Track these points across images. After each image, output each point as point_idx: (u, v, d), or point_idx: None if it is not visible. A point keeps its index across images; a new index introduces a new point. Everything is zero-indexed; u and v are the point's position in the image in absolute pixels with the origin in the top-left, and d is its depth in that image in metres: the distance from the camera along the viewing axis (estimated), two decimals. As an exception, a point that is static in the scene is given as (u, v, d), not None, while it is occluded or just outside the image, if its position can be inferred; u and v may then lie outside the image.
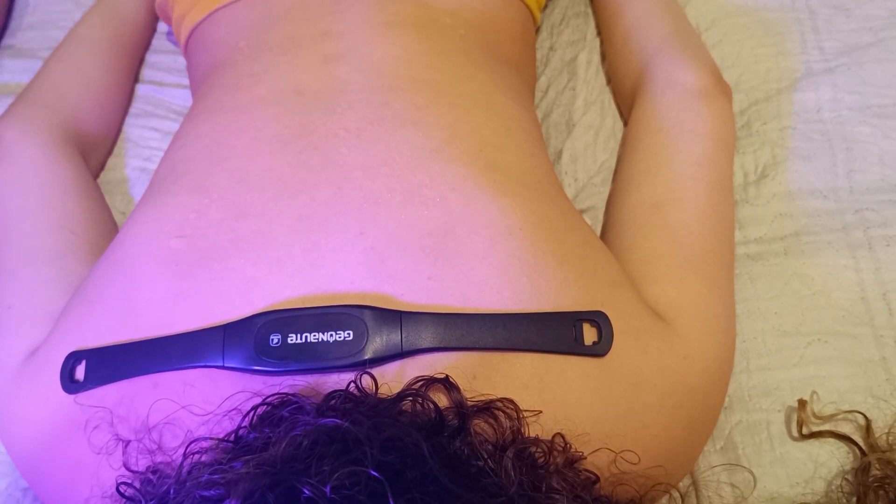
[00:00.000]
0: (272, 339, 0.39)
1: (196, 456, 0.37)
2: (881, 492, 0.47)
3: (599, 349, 0.41)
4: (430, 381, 0.38)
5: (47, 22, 0.79)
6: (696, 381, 0.45)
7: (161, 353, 0.41)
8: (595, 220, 0.63)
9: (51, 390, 0.43)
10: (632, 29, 0.66)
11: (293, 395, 0.37)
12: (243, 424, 0.37)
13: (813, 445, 0.52)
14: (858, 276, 0.59)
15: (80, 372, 0.42)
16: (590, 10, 0.76)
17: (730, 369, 0.49)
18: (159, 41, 0.77)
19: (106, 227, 0.58)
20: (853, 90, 0.67)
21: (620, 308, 0.44)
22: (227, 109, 0.52)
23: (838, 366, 0.55)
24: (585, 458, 0.39)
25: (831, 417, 0.53)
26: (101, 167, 0.69)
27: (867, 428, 0.51)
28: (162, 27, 0.78)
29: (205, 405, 0.39)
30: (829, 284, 0.58)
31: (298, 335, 0.39)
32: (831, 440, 0.52)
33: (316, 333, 0.39)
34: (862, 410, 0.52)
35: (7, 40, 0.78)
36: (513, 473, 0.35)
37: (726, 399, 0.55)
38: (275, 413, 0.36)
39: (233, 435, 0.37)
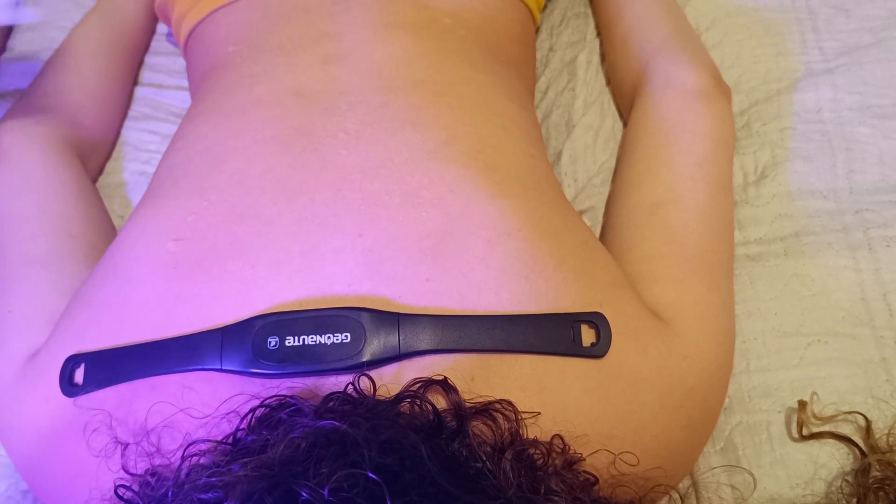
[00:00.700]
0: (270, 342, 0.39)
1: (194, 458, 0.37)
2: (881, 493, 0.47)
3: (598, 350, 0.41)
4: (428, 383, 0.38)
5: (46, 22, 0.79)
6: (696, 382, 0.45)
7: (159, 356, 0.41)
8: (595, 221, 0.63)
9: (50, 393, 0.43)
10: (631, 29, 0.66)
11: (291, 397, 0.37)
12: (241, 427, 0.37)
13: (813, 446, 0.52)
14: (858, 276, 0.59)
15: (79, 375, 0.42)
16: (589, 11, 0.76)
17: (729, 370, 0.49)
18: (158, 43, 0.77)
19: (104, 231, 0.58)
20: (853, 90, 0.67)
21: (619, 309, 0.44)
22: (226, 111, 0.52)
23: (838, 367, 0.55)
24: (584, 459, 0.39)
25: (831, 418, 0.53)
26: (100, 171, 0.69)
27: (867, 429, 0.51)
28: (161, 29, 0.78)
29: (203, 408, 0.39)
30: (829, 285, 0.58)
31: (296, 338, 0.39)
32: (831, 441, 0.52)
33: (314, 336, 0.39)
34: (862, 411, 0.52)
35: (6, 42, 0.78)
36: (511, 475, 0.35)
37: (726, 400, 0.55)
38: (273, 415, 0.36)
39: (231, 437, 0.37)
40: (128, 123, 0.72)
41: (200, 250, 0.43)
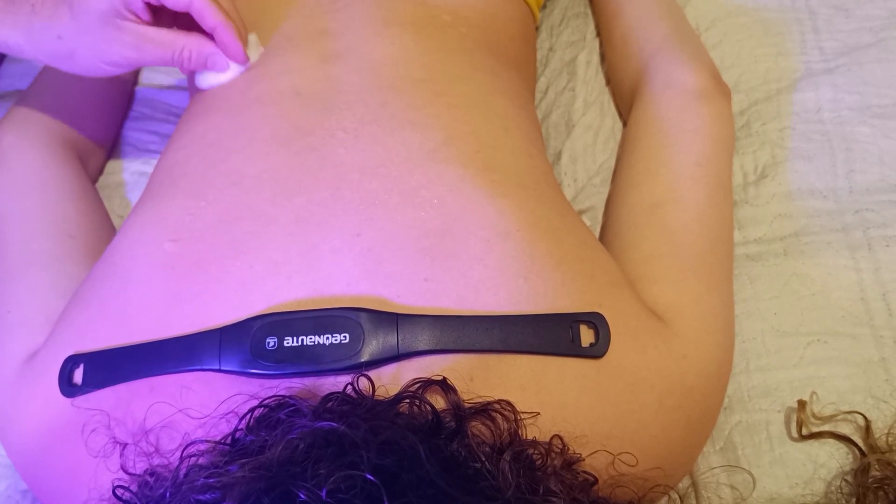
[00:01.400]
0: (268, 342, 0.39)
1: (193, 459, 0.37)
2: (880, 493, 0.47)
3: (596, 350, 0.41)
4: (427, 384, 0.38)
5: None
6: (695, 382, 0.45)
7: (158, 357, 0.41)
8: (594, 221, 0.63)
9: (49, 394, 0.43)
10: (631, 29, 0.66)
11: (290, 397, 0.37)
12: (240, 427, 0.37)
13: (812, 446, 0.52)
14: (858, 276, 0.59)
15: (77, 375, 0.42)
16: (589, 11, 0.75)
17: (728, 370, 0.49)
18: (158, 43, 0.77)
19: (104, 231, 0.59)
20: (853, 90, 0.67)
21: (618, 308, 0.44)
22: (224, 110, 0.52)
23: (838, 366, 0.55)
24: (583, 459, 0.39)
25: (831, 418, 0.53)
26: (100, 171, 0.69)
27: (867, 429, 0.51)
28: (161, 29, 0.78)
29: (201, 408, 0.39)
30: (828, 285, 0.58)
31: (294, 338, 0.39)
32: (831, 441, 0.52)
33: (312, 336, 0.39)
34: (861, 411, 0.52)
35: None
36: (510, 476, 0.35)
37: (726, 399, 0.55)
38: (271, 416, 0.36)
39: (229, 438, 0.37)
40: (128, 123, 0.72)
41: (198, 250, 0.43)
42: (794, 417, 0.53)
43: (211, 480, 0.33)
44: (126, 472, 0.39)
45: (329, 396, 0.37)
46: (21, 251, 0.52)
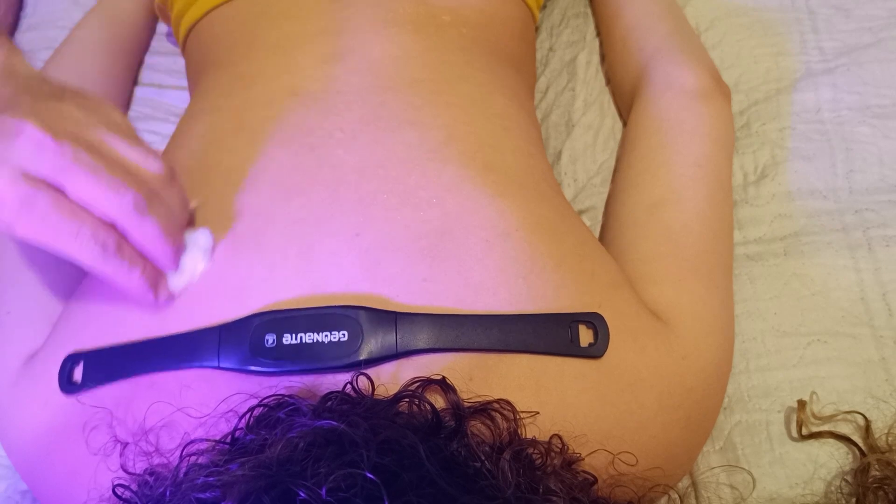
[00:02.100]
0: (267, 340, 0.39)
1: (193, 458, 0.37)
2: (880, 493, 0.46)
3: (596, 350, 0.41)
4: (426, 383, 0.38)
5: (47, 22, 0.79)
6: (695, 382, 0.45)
7: (157, 354, 0.41)
8: (594, 221, 0.63)
9: (49, 392, 0.43)
10: (631, 30, 0.66)
11: (289, 396, 0.37)
12: (240, 426, 0.37)
13: (812, 446, 0.52)
14: (858, 276, 0.59)
15: (77, 373, 0.42)
16: (589, 11, 0.76)
17: (728, 370, 0.49)
18: (158, 43, 0.77)
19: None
20: (853, 90, 0.67)
21: (618, 309, 0.44)
22: (223, 110, 0.52)
23: (838, 366, 0.55)
24: (583, 459, 0.39)
25: (831, 418, 0.53)
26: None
27: (867, 429, 0.51)
28: (161, 29, 0.78)
29: (201, 407, 0.39)
30: (828, 285, 0.58)
31: (294, 335, 0.39)
32: (831, 441, 0.52)
33: (311, 334, 0.39)
34: (861, 411, 0.52)
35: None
36: (510, 475, 0.35)
37: (726, 399, 0.54)
38: (271, 415, 0.36)
39: (229, 437, 0.37)
40: (128, 123, 0.72)
41: (198, 249, 0.43)
42: (794, 417, 0.53)
43: (211, 479, 0.33)
44: (126, 471, 0.39)
45: (328, 395, 0.37)
46: (20, 251, 0.52)
